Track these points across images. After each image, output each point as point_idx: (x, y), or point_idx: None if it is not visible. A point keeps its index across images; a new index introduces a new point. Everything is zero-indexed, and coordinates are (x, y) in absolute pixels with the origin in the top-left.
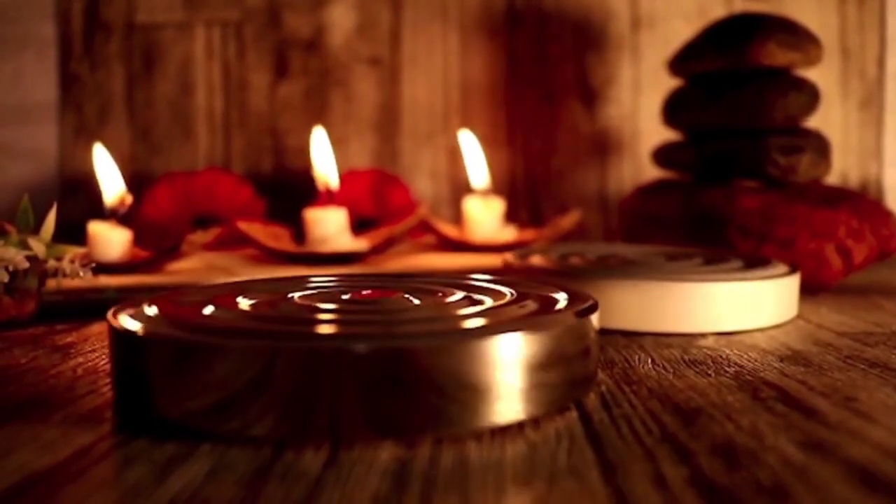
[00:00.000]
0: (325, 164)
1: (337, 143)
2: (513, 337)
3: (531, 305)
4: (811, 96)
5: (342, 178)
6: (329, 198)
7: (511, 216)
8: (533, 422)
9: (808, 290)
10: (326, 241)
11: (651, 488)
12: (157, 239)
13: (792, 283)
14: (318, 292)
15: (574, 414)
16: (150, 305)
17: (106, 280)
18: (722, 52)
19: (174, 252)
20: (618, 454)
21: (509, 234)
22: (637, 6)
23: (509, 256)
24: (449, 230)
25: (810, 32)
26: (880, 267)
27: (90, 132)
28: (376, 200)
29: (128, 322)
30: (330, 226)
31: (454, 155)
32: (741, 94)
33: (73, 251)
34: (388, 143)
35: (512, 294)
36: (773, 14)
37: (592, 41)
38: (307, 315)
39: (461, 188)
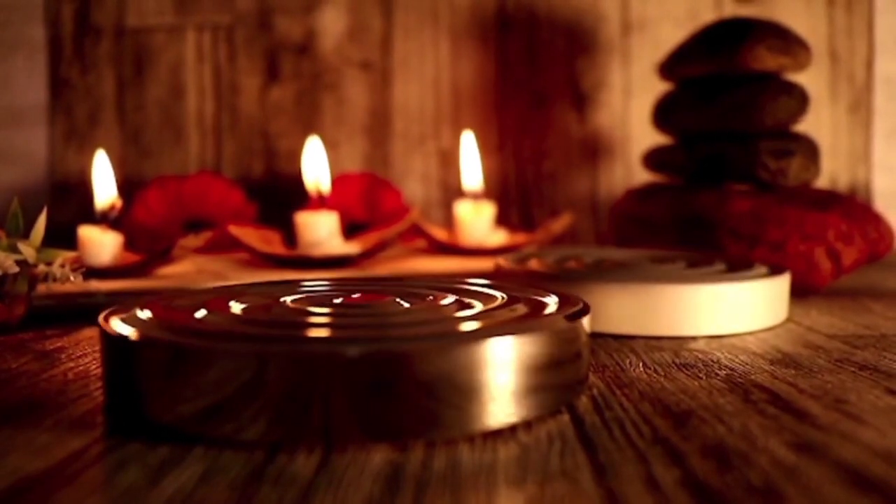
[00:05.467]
0: (317, 171)
1: (328, 146)
2: (504, 340)
3: (522, 309)
4: (801, 100)
5: (333, 182)
6: (320, 201)
7: (502, 220)
8: (525, 425)
9: (799, 293)
10: (318, 244)
11: (643, 490)
12: (148, 243)
13: (782, 286)
14: (310, 296)
15: (566, 417)
16: (141, 309)
17: (97, 284)
18: (712, 56)
19: (165, 256)
20: (609, 456)
21: (500, 237)
22: (628, 10)
23: (500, 260)
24: (440, 234)
25: (800, 37)
26: (870, 269)
27: (81, 136)
28: (367, 204)
29: (120, 326)
30: (321, 229)
31: (445, 159)
32: (731, 98)
33: (64, 255)
34: (379, 146)
35: (503, 298)
36: (762, 19)
37: (583, 45)
38: (299, 319)
39: (452, 192)
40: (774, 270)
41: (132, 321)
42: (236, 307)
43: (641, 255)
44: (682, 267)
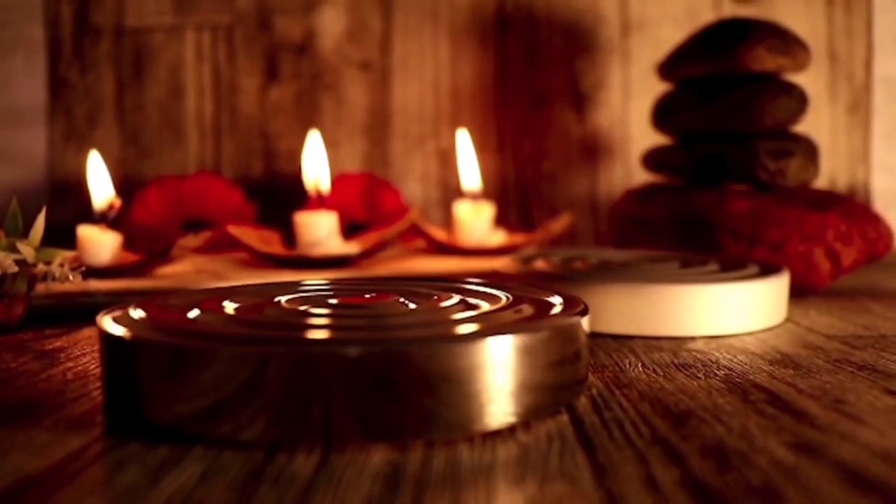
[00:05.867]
0: (317, 168)
1: (328, 146)
2: (504, 340)
3: (522, 309)
4: (800, 101)
5: (333, 181)
6: (320, 201)
7: (501, 220)
8: (524, 425)
9: (798, 293)
10: (317, 244)
11: (642, 490)
12: (147, 243)
13: (781, 286)
14: (309, 296)
15: (565, 417)
16: (140, 309)
17: (96, 284)
18: (711, 56)
19: (164, 256)
20: (609, 456)
21: (499, 238)
22: (627, 11)
23: (499, 260)
24: (439, 234)
25: (799, 37)
26: (869, 270)
27: (80, 136)
28: (367, 204)
29: (118, 326)
30: (321, 229)
31: (445, 159)
32: (731, 99)
33: (63, 255)
34: (378, 146)
35: (502, 298)
36: (762, 19)
37: (582, 46)
38: (299, 319)
39: (451, 192)
40: (767, 270)
41: (131, 321)
42: (236, 307)
43: (640, 255)
44: (678, 267)
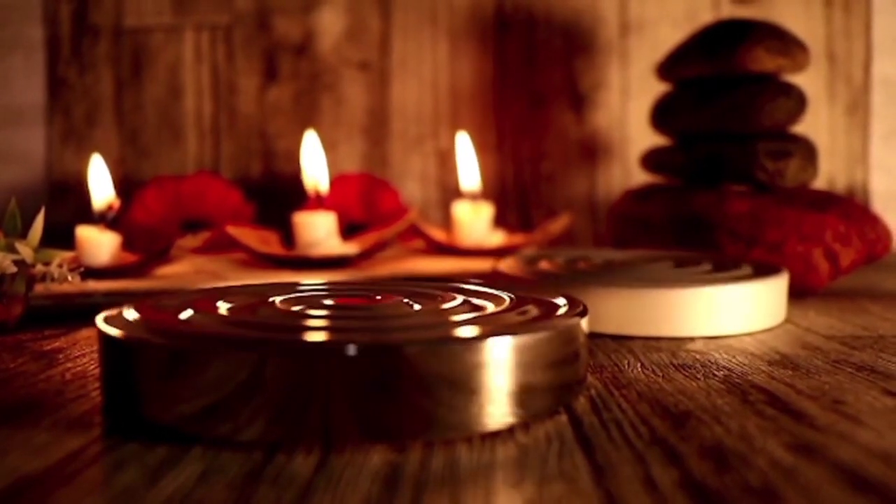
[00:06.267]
0: (315, 168)
1: (326, 147)
2: (503, 340)
3: (521, 310)
4: (799, 101)
5: (331, 182)
6: (318, 202)
7: (500, 221)
8: (523, 425)
9: (797, 294)
10: (316, 245)
11: (641, 491)
12: (146, 243)
13: (780, 286)
14: (308, 296)
15: (564, 417)
16: (139, 310)
17: (94, 284)
18: (710, 57)
19: (163, 256)
20: (608, 457)
21: (498, 238)
22: (626, 11)
23: (498, 261)
24: (438, 234)
25: (798, 38)
26: (867, 270)
27: (78, 136)
28: (366, 205)
29: (117, 327)
30: (319, 230)
31: (443, 159)
32: (730, 99)
33: (62, 255)
34: (377, 147)
35: (501, 298)
36: (761, 20)
37: (581, 46)
38: (298, 319)
39: (450, 192)
40: (760, 270)
41: (130, 322)
42: (235, 307)
43: (639, 255)
44: (673, 267)
